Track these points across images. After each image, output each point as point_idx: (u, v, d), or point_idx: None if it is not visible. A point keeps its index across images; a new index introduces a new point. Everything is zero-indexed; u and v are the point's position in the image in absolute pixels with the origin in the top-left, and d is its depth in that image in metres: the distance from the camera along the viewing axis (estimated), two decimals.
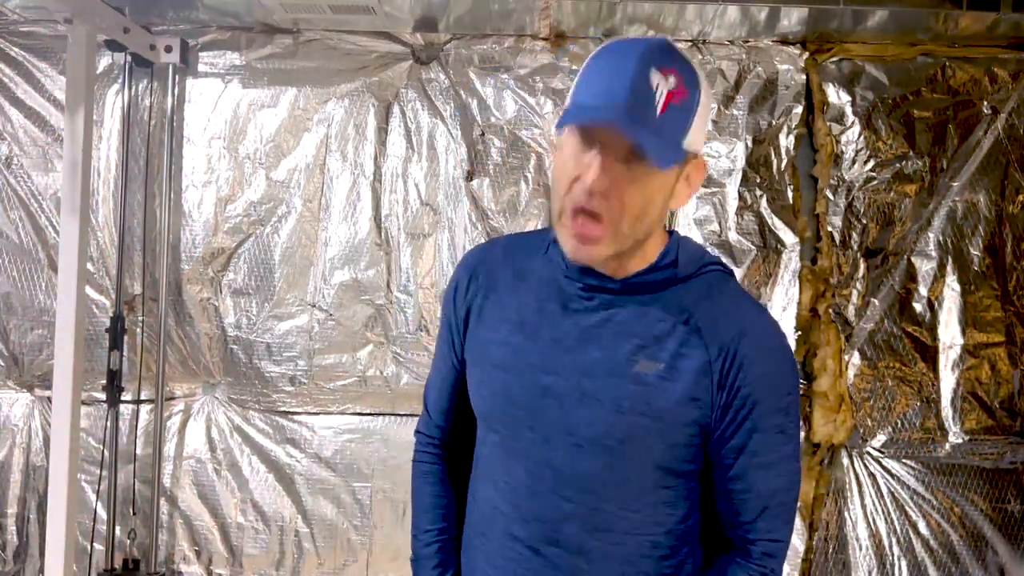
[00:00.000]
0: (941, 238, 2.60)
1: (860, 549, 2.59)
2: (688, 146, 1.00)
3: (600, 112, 0.96)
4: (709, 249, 1.44)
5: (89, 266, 2.60)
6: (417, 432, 1.33)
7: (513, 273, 1.17)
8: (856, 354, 2.59)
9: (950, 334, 2.59)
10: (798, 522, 2.57)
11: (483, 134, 2.64)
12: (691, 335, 1.05)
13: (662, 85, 0.96)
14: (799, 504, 2.56)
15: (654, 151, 0.95)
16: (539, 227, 2.61)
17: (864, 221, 2.61)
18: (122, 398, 2.62)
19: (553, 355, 1.09)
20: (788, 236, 2.61)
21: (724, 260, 2.56)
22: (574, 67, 2.64)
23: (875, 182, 2.60)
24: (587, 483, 1.08)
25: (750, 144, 2.62)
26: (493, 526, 1.16)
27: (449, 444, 1.30)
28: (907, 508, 2.59)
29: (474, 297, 1.19)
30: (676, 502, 1.11)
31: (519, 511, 1.12)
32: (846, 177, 2.61)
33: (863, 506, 2.59)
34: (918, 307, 2.60)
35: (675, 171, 1.02)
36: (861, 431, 2.59)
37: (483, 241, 2.61)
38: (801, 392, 2.61)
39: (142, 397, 2.66)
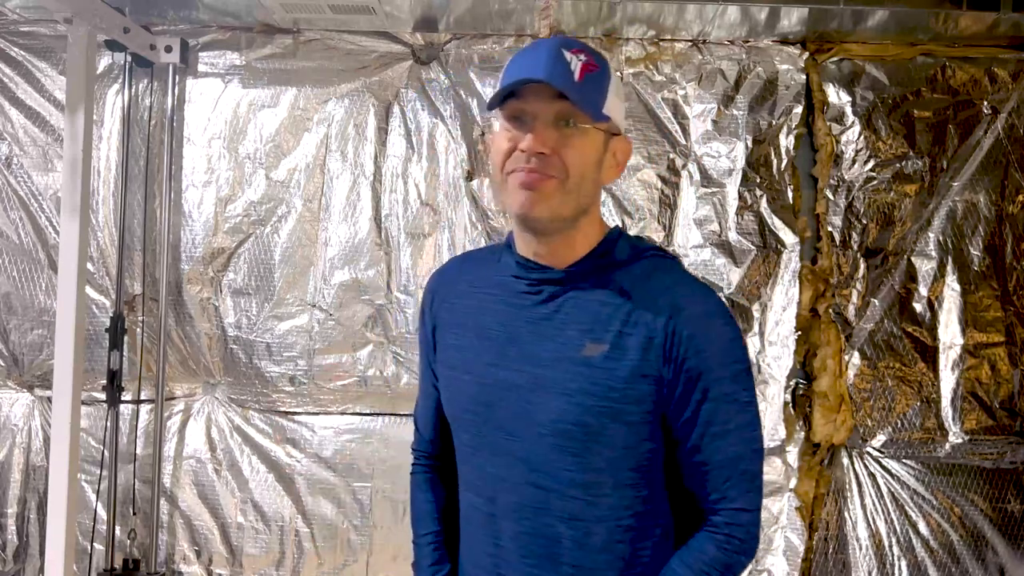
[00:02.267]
0: (941, 238, 2.60)
1: (860, 549, 2.59)
2: (609, 110, 1.10)
3: (526, 77, 1.06)
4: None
5: (89, 266, 2.60)
6: (412, 449, 1.39)
7: (467, 283, 1.24)
8: (856, 354, 2.59)
9: (950, 334, 2.59)
10: (798, 522, 2.58)
11: (483, 134, 2.64)
12: (632, 314, 1.10)
13: (575, 60, 1.08)
14: (799, 504, 2.57)
15: (580, 102, 1.05)
16: None
17: (864, 221, 2.61)
18: (122, 398, 2.62)
19: (507, 351, 1.14)
20: (788, 236, 2.61)
21: (723, 261, 2.59)
22: None
23: (875, 182, 2.60)
24: (554, 471, 1.12)
25: (750, 144, 2.62)
26: (476, 526, 1.20)
27: (441, 456, 1.34)
28: (907, 508, 2.59)
29: (437, 312, 1.27)
30: (640, 484, 1.13)
31: (495, 505, 1.16)
32: (846, 177, 2.61)
33: (863, 506, 2.59)
34: (918, 307, 2.60)
35: (602, 138, 1.11)
36: (861, 431, 2.59)
37: (482, 243, 2.62)
38: (801, 392, 2.61)
39: (142, 397, 2.66)
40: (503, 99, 1.10)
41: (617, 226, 1.21)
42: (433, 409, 1.32)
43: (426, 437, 1.35)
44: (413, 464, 1.37)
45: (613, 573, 1.13)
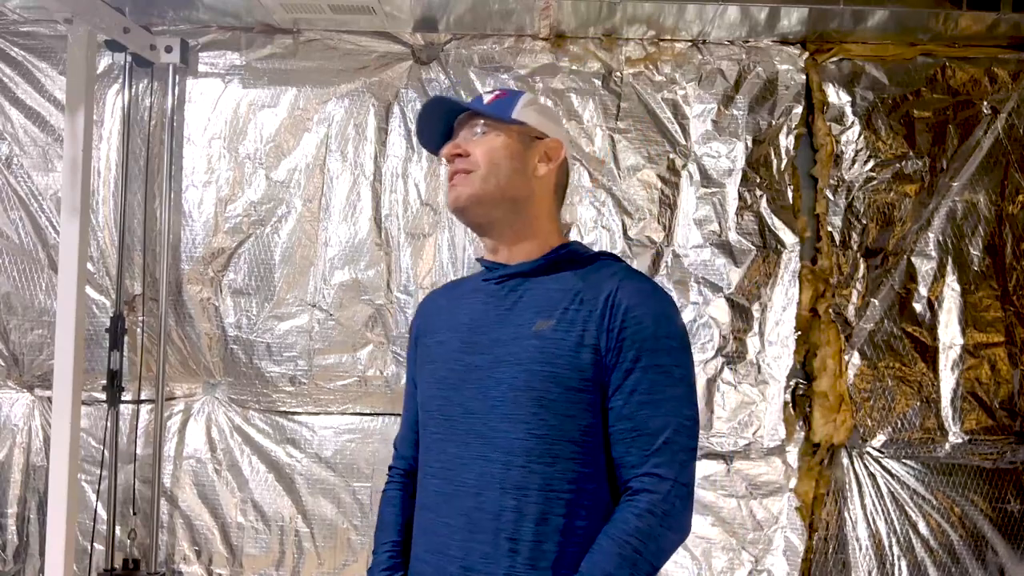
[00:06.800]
0: (941, 238, 2.60)
1: (860, 549, 2.59)
2: (519, 116, 1.29)
3: (441, 108, 1.33)
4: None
5: (89, 266, 2.60)
6: (389, 467, 1.46)
7: (450, 296, 1.40)
8: (856, 354, 2.59)
9: (950, 334, 2.59)
10: (798, 522, 2.58)
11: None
12: (580, 294, 1.23)
13: (487, 95, 1.33)
14: (798, 504, 2.56)
15: (487, 111, 1.28)
16: None
17: (864, 221, 2.61)
18: (122, 398, 2.62)
19: (475, 339, 1.26)
20: (788, 236, 2.61)
21: (723, 261, 2.59)
22: (574, 67, 2.64)
23: (875, 182, 2.60)
24: (502, 441, 1.19)
25: (750, 144, 2.62)
26: (433, 510, 1.26)
27: (416, 475, 1.39)
28: (907, 508, 2.59)
29: (420, 325, 1.41)
30: (580, 459, 1.18)
31: (451, 484, 1.22)
32: (846, 177, 2.61)
33: (863, 506, 2.59)
34: (918, 307, 2.60)
35: (515, 135, 1.29)
36: (861, 431, 2.59)
37: (482, 244, 2.62)
38: (801, 392, 2.61)
39: (142, 397, 2.66)
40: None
41: (575, 241, 1.37)
42: (412, 423, 1.40)
43: (403, 454, 1.42)
44: (387, 482, 1.44)
45: (549, 545, 1.16)
